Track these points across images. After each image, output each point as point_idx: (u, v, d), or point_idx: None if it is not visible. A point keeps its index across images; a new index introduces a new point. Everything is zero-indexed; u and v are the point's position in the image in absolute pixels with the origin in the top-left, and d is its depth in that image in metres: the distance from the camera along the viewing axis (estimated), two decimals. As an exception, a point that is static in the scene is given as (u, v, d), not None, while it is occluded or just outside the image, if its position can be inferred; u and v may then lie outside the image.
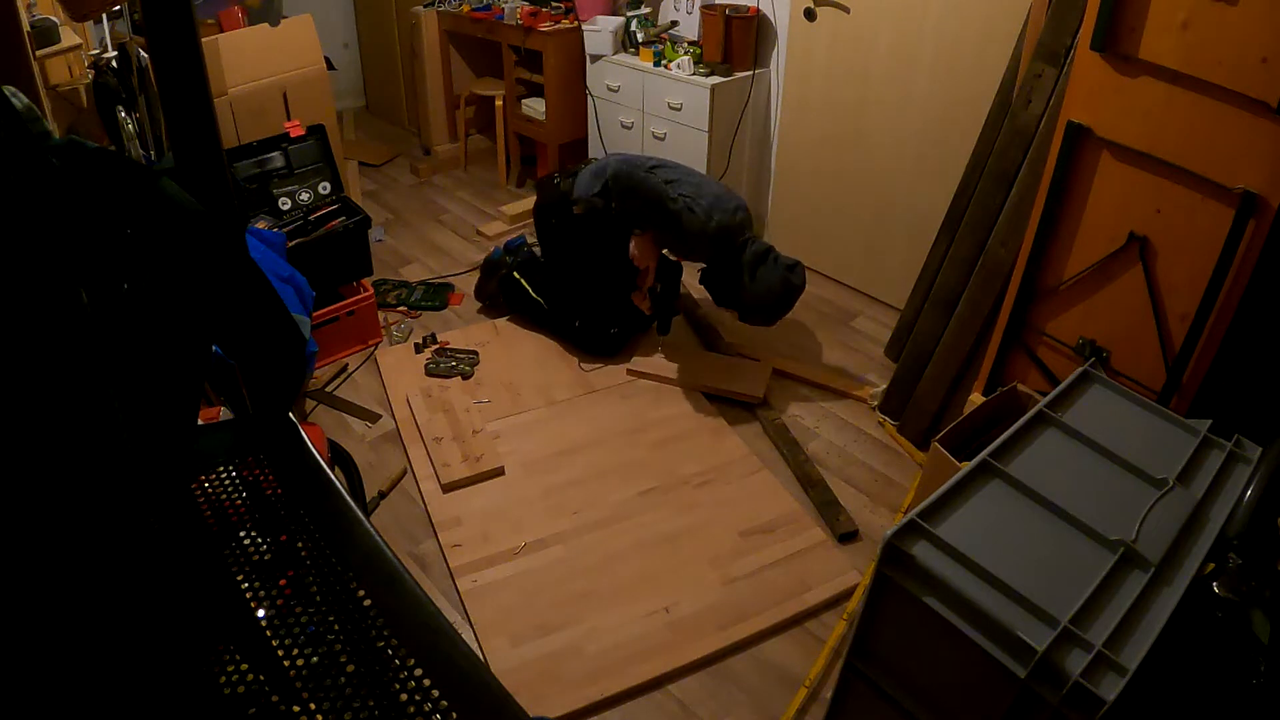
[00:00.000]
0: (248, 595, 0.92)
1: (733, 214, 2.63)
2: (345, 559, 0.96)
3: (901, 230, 3.13)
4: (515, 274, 3.10)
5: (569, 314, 2.98)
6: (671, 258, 2.98)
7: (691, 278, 3.45)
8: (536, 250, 3.17)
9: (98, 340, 0.77)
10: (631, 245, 2.75)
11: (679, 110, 3.43)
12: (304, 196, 2.97)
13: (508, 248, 3.23)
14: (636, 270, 2.80)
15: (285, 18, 3.22)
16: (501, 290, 3.17)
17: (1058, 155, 1.88)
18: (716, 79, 3.33)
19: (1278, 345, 1.75)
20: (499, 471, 2.43)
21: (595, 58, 3.75)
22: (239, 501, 1.04)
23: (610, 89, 3.73)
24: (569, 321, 2.98)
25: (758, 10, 3.36)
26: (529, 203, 3.89)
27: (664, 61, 3.49)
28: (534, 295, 3.06)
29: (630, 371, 2.89)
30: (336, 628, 0.89)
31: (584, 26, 3.76)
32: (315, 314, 2.63)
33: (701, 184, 2.71)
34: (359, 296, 2.96)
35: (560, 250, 3.01)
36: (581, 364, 2.93)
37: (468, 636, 1.95)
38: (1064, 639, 1.15)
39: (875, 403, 2.74)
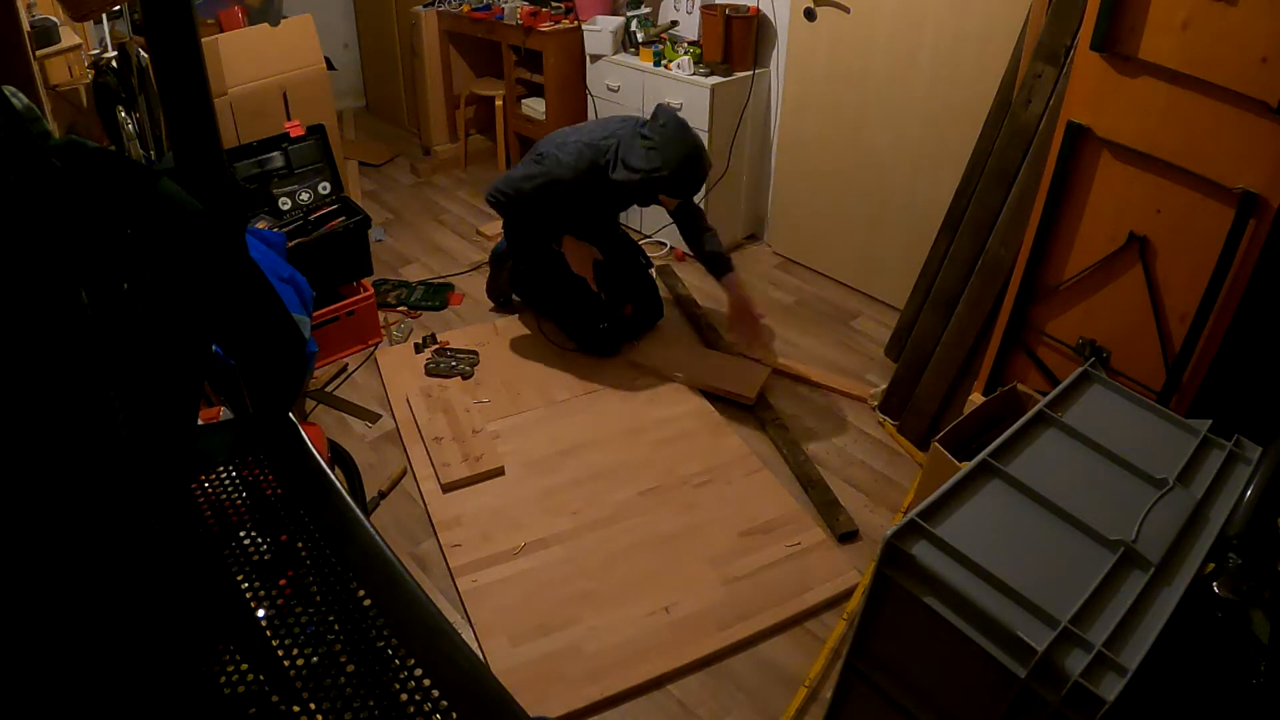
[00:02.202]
0: (248, 595, 0.92)
1: (589, 139, 2.64)
2: (345, 559, 0.96)
3: (901, 230, 3.12)
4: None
5: (560, 309, 3.00)
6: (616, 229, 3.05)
7: (691, 276, 3.46)
8: None
9: (98, 340, 0.77)
10: (567, 259, 2.83)
11: (679, 110, 3.43)
12: (304, 196, 2.97)
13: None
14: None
15: (285, 18, 3.23)
16: (513, 282, 3.18)
17: (1058, 155, 1.88)
18: (716, 79, 3.33)
19: (1278, 345, 1.75)
20: (499, 471, 2.43)
21: (595, 58, 3.75)
22: (239, 501, 1.04)
23: (610, 89, 3.73)
24: (563, 316, 3.00)
25: (758, 10, 3.36)
26: (529, 203, 3.91)
27: (664, 61, 3.49)
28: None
29: (630, 363, 2.91)
30: (336, 628, 0.89)
31: (584, 26, 3.76)
32: (315, 314, 2.62)
33: (564, 138, 2.72)
34: (359, 296, 2.96)
35: (525, 255, 3.03)
36: (572, 351, 2.97)
37: (468, 636, 1.95)
38: (1064, 639, 1.15)
39: (875, 403, 2.74)
